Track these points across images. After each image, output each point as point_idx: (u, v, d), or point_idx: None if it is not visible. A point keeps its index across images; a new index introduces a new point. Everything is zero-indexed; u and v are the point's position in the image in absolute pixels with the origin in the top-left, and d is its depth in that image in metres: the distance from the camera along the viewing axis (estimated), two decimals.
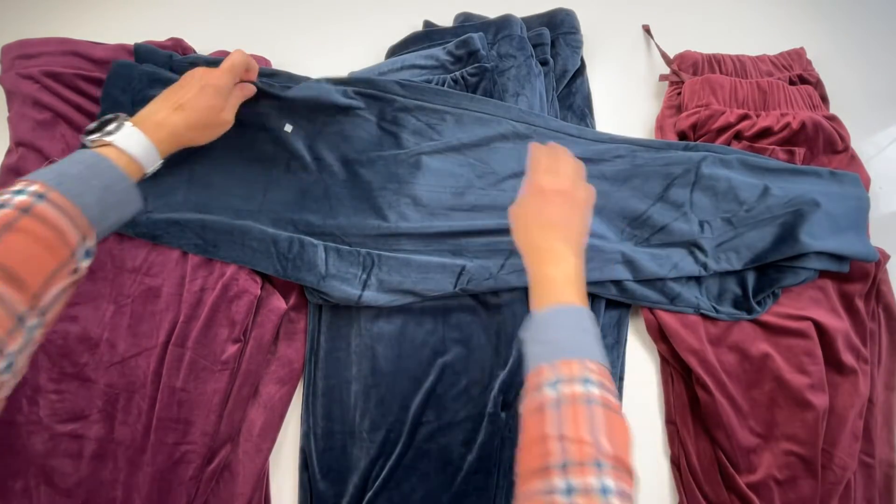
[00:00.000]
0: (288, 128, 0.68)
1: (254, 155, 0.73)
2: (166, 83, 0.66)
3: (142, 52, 0.74)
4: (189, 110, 0.60)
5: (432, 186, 0.73)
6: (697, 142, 0.78)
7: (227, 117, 0.65)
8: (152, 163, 0.57)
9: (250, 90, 0.69)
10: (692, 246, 0.73)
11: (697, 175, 0.74)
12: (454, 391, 0.69)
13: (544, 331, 0.49)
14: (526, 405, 0.46)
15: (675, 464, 0.71)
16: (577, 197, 0.57)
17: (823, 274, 0.74)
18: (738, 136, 0.79)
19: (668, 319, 0.72)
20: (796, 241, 0.70)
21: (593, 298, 0.74)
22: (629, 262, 0.71)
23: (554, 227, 0.54)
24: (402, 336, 0.71)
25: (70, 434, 0.66)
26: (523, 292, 0.72)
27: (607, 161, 0.75)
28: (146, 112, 0.59)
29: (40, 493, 0.65)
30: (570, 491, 0.39)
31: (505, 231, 0.70)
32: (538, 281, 0.53)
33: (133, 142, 0.54)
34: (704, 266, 0.72)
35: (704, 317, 0.73)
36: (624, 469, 0.41)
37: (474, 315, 0.72)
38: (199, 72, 0.63)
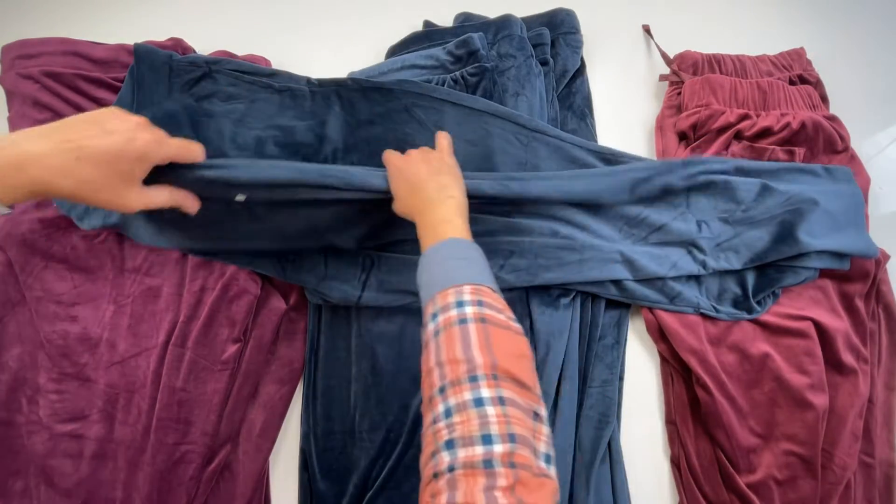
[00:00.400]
0: (240, 197, 0.59)
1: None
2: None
3: (141, 53, 0.73)
4: (72, 156, 0.44)
5: None
6: (693, 157, 0.77)
7: (145, 198, 0.50)
8: None
9: (185, 202, 0.55)
10: (690, 245, 0.73)
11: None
12: None
13: (425, 271, 0.51)
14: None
15: (675, 464, 0.71)
16: (432, 154, 0.63)
17: (823, 274, 0.74)
18: (738, 136, 0.79)
19: (668, 319, 0.72)
20: (796, 240, 0.70)
21: (593, 298, 0.74)
22: (628, 262, 0.71)
23: (424, 181, 0.58)
24: (402, 336, 0.71)
25: (70, 434, 0.66)
26: (524, 291, 0.72)
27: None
28: (11, 138, 0.44)
29: (40, 493, 0.65)
30: (447, 412, 0.38)
31: (503, 232, 0.70)
32: (421, 232, 0.55)
33: None
34: (703, 265, 0.72)
35: (704, 316, 0.73)
36: (506, 376, 0.40)
37: None
38: (110, 112, 0.49)
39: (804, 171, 0.76)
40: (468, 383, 0.39)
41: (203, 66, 0.73)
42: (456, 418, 0.37)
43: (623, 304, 0.75)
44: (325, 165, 0.65)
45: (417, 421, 0.68)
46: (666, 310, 0.73)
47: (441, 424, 0.38)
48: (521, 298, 0.71)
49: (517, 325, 0.45)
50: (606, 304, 0.74)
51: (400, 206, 0.61)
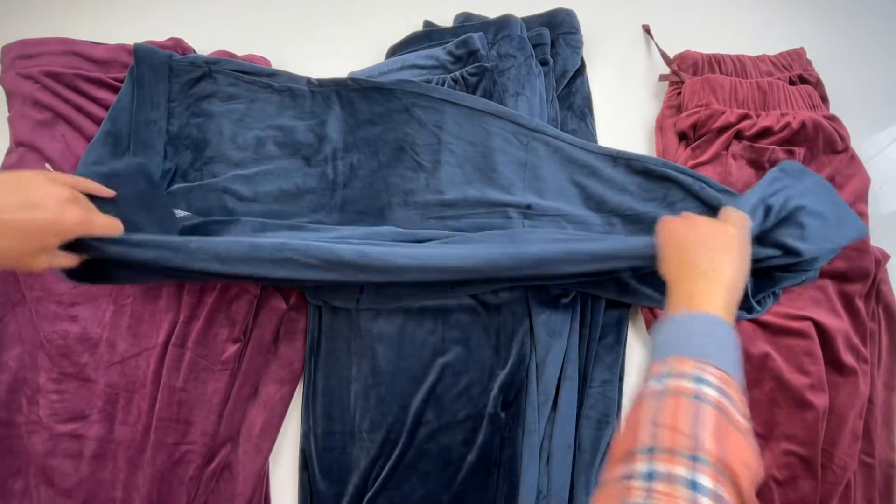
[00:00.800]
0: (181, 213, 0.62)
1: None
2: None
3: (141, 52, 0.73)
4: None
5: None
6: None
7: (36, 265, 0.49)
8: None
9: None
10: None
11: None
12: (454, 391, 0.69)
13: (667, 332, 0.48)
14: (632, 400, 0.44)
15: None
16: (729, 231, 0.57)
17: (823, 274, 0.74)
18: (738, 136, 0.79)
19: None
20: (798, 253, 0.70)
21: (593, 298, 0.74)
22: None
23: (695, 250, 0.55)
24: (401, 336, 0.71)
25: (70, 434, 0.66)
26: (523, 291, 0.72)
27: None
28: None
29: (40, 493, 0.65)
30: (650, 476, 0.35)
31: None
32: (674, 298, 0.52)
33: None
34: None
35: None
36: (730, 479, 0.36)
37: (474, 315, 0.72)
38: (54, 190, 0.47)
39: (777, 178, 0.73)
40: (687, 460, 0.36)
41: (203, 66, 0.73)
42: (659, 486, 0.35)
43: (623, 304, 0.75)
44: (281, 242, 0.61)
45: (417, 421, 0.68)
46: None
47: (637, 484, 0.35)
48: (521, 298, 0.71)
49: (753, 438, 0.41)
50: (606, 304, 0.74)
51: (662, 267, 0.58)
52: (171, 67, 0.73)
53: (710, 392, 0.40)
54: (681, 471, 0.35)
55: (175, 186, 0.72)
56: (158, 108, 0.72)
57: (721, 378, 0.42)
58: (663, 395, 0.41)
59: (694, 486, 0.34)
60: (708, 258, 0.54)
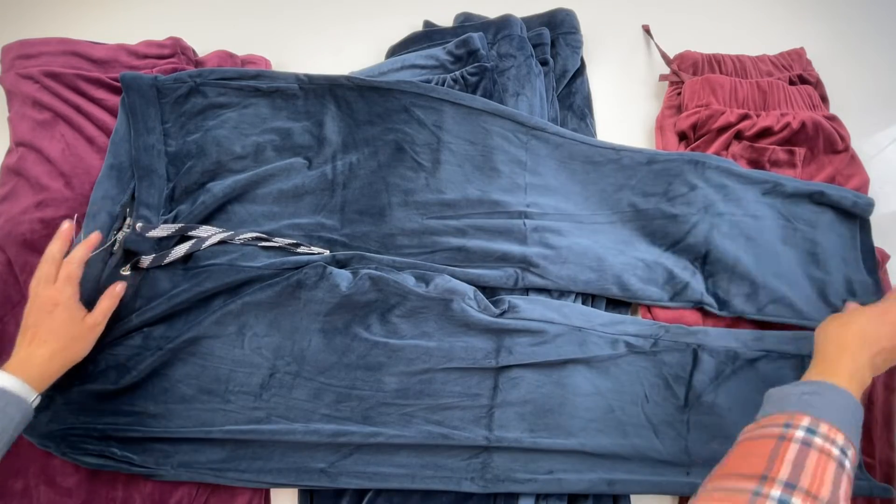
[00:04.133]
0: (125, 271, 0.66)
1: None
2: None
3: (128, 80, 0.73)
4: (45, 340, 0.57)
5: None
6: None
7: (93, 321, 0.61)
8: (30, 396, 0.55)
9: (119, 290, 0.64)
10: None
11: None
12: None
13: (795, 389, 0.50)
14: (749, 432, 0.48)
15: None
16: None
17: None
18: (738, 136, 0.80)
19: (668, 317, 0.72)
20: (827, 301, 0.73)
21: (593, 298, 0.74)
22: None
23: (870, 342, 0.55)
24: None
25: None
26: (524, 293, 0.72)
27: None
28: (14, 351, 0.58)
29: (40, 492, 0.65)
30: (782, 501, 0.40)
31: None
32: (826, 363, 0.54)
33: (6, 383, 0.53)
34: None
35: (705, 313, 0.73)
36: None
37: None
38: (37, 293, 0.59)
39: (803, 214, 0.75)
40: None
41: (188, 80, 0.73)
42: None
43: (623, 304, 0.75)
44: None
45: None
46: (665, 307, 0.73)
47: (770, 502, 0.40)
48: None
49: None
50: (606, 303, 0.74)
51: (819, 331, 0.59)
52: (159, 89, 0.73)
53: (847, 464, 0.44)
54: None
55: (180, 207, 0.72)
56: (154, 132, 0.72)
57: (853, 457, 0.45)
58: (809, 445, 0.44)
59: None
60: (874, 353, 0.55)
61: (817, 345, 0.58)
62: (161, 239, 0.68)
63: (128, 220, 0.70)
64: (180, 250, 0.68)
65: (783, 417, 0.47)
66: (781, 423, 0.46)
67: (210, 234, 0.69)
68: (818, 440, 0.44)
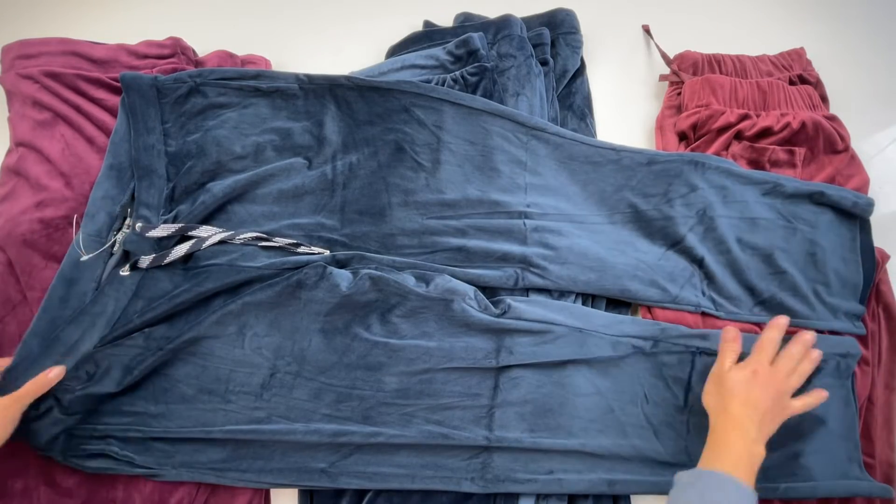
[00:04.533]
0: (85, 257, 0.65)
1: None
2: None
3: (128, 80, 0.73)
4: None
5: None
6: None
7: (9, 400, 0.59)
8: None
9: (52, 378, 0.62)
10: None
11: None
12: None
13: (704, 491, 0.53)
14: None
15: None
16: (785, 400, 0.60)
17: None
18: (738, 136, 0.80)
19: (668, 317, 0.72)
20: (832, 309, 0.72)
21: (593, 299, 0.74)
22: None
23: (754, 409, 0.57)
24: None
25: None
26: (524, 293, 0.72)
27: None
28: None
29: (40, 493, 0.65)
30: None
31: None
32: (719, 444, 0.57)
33: None
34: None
35: (705, 314, 0.73)
36: None
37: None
38: None
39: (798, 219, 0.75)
40: None
41: (188, 80, 0.73)
42: None
43: (623, 304, 0.75)
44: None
45: None
46: (665, 308, 0.73)
47: None
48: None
49: None
50: (607, 304, 0.74)
51: (705, 399, 0.62)
52: (159, 89, 0.73)
53: None
54: None
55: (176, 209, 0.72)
56: (154, 132, 0.72)
57: None
58: None
59: None
60: (751, 417, 0.57)
61: (709, 412, 0.61)
62: (161, 239, 0.68)
63: (127, 221, 0.70)
64: (180, 250, 0.68)
65: None
66: None
67: (210, 234, 0.69)
68: None
